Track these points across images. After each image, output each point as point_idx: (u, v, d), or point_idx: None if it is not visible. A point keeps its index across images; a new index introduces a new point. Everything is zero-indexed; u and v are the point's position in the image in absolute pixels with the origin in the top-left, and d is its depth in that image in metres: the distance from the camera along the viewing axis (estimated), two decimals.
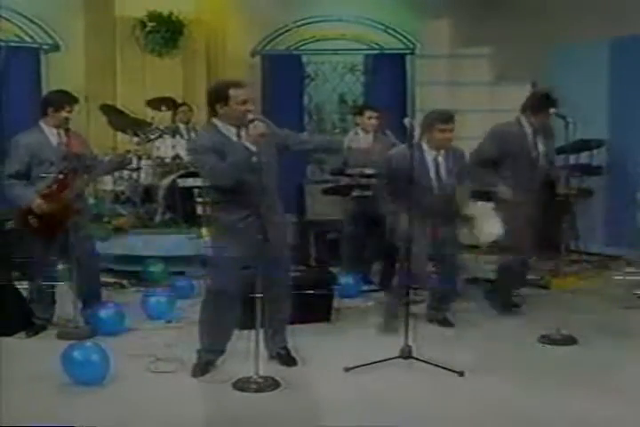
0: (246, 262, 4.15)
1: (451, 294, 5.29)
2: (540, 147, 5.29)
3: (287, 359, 4.44)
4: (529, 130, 5.23)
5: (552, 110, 4.99)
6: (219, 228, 4.29)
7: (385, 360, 4.34)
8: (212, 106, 4.15)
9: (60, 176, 4.90)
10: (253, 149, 4.01)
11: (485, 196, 5.55)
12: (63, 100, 5.02)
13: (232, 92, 4.07)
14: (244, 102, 4.07)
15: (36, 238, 4.99)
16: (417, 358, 4.35)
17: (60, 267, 5.21)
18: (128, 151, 7.12)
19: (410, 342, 4.38)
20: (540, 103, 5.17)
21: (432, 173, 5.03)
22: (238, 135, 4.13)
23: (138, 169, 7.43)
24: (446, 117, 4.97)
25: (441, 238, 5.04)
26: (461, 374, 4.23)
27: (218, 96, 4.11)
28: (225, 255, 4.18)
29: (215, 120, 4.18)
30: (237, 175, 4.04)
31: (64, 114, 4.94)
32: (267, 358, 4.36)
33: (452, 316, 5.32)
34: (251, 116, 4.04)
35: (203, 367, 4.29)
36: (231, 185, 4.09)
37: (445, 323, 5.27)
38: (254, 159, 4.01)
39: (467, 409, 3.83)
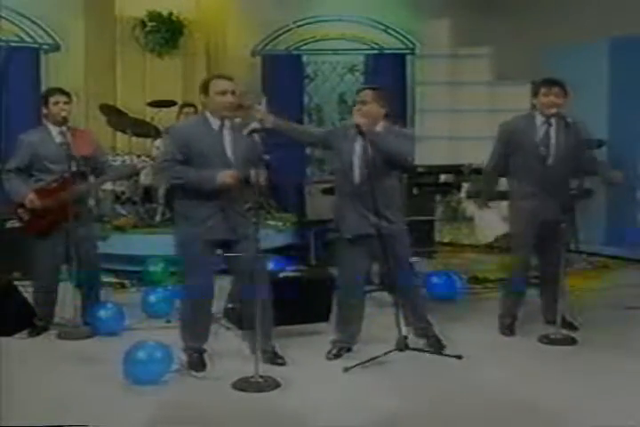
0: (214, 258, 4.32)
1: (414, 299, 4.71)
2: (553, 141, 4.88)
3: (275, 359, 4.42)
4: (539, 121, 4.91)
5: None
6: (184, 223, 4.37)
7: (382, 355, 4.35)
8: (200, 98, 4.33)
9: (64, 175, 4.89)
10: (224, 149, 4.16)
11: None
12: (47, 93, 5.10)
13: (212, 82, 4.25)
14: (224, 93, 4.19)
15: (41, 240, 4.99)
16: (414, 349, 4.37)
17: (63, 268, 5.19)
18: (138, 156, 7.16)
19: (404, 333, 4.37)
20: (538, 84, 4.95)
21: (356, 159, 4.43)
22: (221, 128, 4.24)
23: None
24: (361, 88, 4.57)
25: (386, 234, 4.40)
26: (459, 357, 4.22)
27: (201, 87, 4.29)
28: (193, 252, 4.31)
29: (205, 111, 4.33)
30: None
31: (51, 106, 4.95)
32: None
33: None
34: (226, 113, 4.20)
35: (200, 361, 4.34)
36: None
37: (436, 344, 4.70)
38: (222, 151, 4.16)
39: (465, 410, 3.83)
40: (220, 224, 4.23)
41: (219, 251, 4.38)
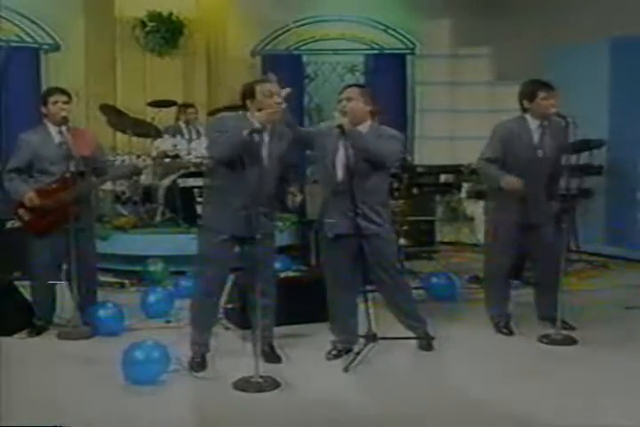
0: (231, 256, 4.36)
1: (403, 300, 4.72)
2: (546, 144, 4.90)
3: (272, 357, 4.45)
4: (534, 124, 4.92)
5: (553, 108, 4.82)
6: (207, 216, 4.43)
7: (360, 351, 4.39)
8: (244, 102, 4.33)
9: (65, 175, 4.89)
10: (259, 152, 4.16)
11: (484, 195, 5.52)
12: (46, 93, 5.10)
13: (259, 85, 4.32)
14: (272, 95, 4.25)
15: (40, 240, 4.98)
16: (383, 338, 4.42)
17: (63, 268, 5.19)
18: (138, 156, 7.15)
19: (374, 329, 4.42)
20: (533, 88, 4.90)
21: (339, 158, 4.45)
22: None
23: None
24: (346, 86, 4.66)
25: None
26: (432, 338, 4.46)
27: (246, 92, 4.32)
28: (209, 250, 4.33)
29: (247, 114, 4.32)
30: (233, 151, 4.14)
31: (50, 106, 4.95)
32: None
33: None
34: (274, 115, 4.23)
35: (201, 362, 4.35)
36: (226, 159, 4.19)
37: (424, 345, 4.72)
38: (257, 138, 4.15)
39: (466, 410, 3.83)
40: (240, 222, 4.22)
41: (237, 249, 4.41)
